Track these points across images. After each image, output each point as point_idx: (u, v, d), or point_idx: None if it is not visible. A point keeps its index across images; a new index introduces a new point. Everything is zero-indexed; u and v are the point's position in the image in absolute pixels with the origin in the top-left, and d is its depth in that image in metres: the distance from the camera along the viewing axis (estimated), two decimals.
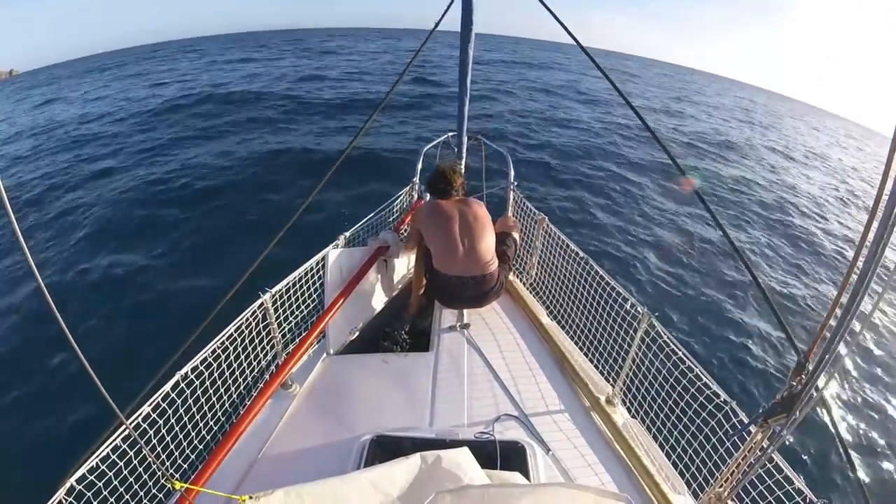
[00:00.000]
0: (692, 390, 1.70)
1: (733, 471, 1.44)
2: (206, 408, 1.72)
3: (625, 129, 14.04)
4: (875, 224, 0.91)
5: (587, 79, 24.55)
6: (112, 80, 23.98)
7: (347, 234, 2.57)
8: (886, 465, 3.79)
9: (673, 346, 1.75)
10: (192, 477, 1.37)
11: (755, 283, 1.63)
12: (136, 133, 11.56)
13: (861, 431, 4.10)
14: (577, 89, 21.28)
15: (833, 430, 1.46)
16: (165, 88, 17.90)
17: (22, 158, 10.74)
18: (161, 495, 1.49)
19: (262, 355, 2.02)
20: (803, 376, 1.10)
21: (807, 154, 18.41)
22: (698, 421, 1.69)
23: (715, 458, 1.63)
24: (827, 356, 1.01)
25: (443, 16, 2.52)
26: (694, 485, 1.72)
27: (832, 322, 1.01)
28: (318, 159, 8.92)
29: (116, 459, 1.31)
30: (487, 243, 2.42)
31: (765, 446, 1.27)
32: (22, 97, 22.93)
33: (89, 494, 1.25)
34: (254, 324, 1.88)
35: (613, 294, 2.14)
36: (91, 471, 1.24)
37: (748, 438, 1.35)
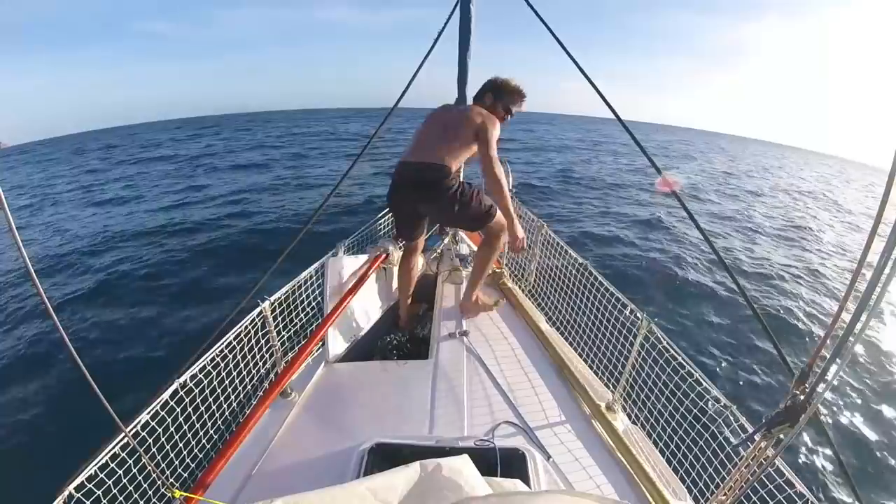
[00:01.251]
0: (692, 395, 1.69)
1: (736, 479, 1.43)
2: (205, 416, 1.71)
3: None
4: (879, 229, 0.91)
5: None
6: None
7: (347, 241, 2.57)
8: (883, 470, 3.76)
9: (673, 352, 1.75)
10: (192, 486, 1.36)
11: (743, 295, 1.65)
12: None
13: (860, 438, 4.07)
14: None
15: (831, 437, 1.46)
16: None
17: None
18: None
19: (261, 363, 2.01)
20: (807, 385, 1.10)
21: None
22: (698, 426, 1.69)
23: (716, 463, 1.63)
24: (832, 365, 1.00)
25: (445, 24, 2.56)
26: (695, 490, 1.72)
27: (837, 331, 1.00)
28: None
29: (115, 468, 1.30)
30: (452, 143, 2.22)
31: (769, 455, 1.26)
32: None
33: (88, 503, 1.24)
34: (253, 332, 1.88)
35: (612, 300, 2.14)
36: (89, 479, 1.23)
37: (751, 447, 1.34)
